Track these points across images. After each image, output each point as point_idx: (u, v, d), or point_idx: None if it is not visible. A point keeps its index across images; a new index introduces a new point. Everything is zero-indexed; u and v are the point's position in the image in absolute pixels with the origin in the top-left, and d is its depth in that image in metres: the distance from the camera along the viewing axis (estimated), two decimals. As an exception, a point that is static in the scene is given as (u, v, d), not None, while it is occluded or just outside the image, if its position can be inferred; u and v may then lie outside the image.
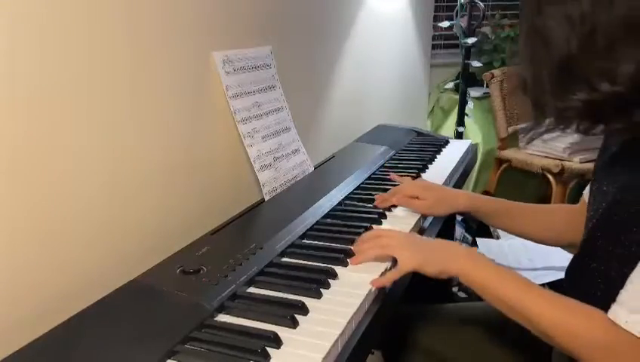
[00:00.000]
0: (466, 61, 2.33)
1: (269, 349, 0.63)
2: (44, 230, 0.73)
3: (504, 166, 2.59)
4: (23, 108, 0.69)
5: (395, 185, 1.12)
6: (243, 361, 0.62)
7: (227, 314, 0.72)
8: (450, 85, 2.70)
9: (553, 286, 1.48)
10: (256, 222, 1.01)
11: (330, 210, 1.05)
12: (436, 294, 1.40)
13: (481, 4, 2.22)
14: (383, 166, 1.35)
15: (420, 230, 1.03)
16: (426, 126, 2.67)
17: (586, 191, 0.85)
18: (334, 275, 0.80)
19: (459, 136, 2.40)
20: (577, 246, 0.77)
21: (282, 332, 0.66)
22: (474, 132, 2.62)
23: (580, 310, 0.64)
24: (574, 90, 0.61)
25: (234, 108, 1.06)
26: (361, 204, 1.10)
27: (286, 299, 0.74)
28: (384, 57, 1.94)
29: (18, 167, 0.69)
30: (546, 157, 2.42)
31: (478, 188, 2.69)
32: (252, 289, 0.78)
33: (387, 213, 1.05)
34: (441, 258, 0.78)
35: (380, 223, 1.01)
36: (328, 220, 1.01)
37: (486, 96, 2.68)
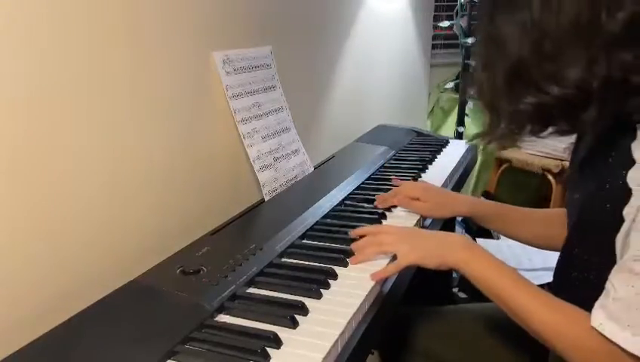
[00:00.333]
0: (466, 61, 2.33)
1: (269, 349, 0.63)
2: (44, 230, 0.73)
3: (504, 166, 2.59)
4: (22, 108, 0.69)
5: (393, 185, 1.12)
6: (243, 361, 0.62)
7: (227, 314, 0.72)
8: (450, 85, 2.70)
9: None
10: (256, 222, 1.01)
11: (330, 210, 1.05)
12: (436, 295, 1.40)
13: (481, 4, 2.22)
14: (383, 166, 1.35)
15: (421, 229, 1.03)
16: (426, 126, 2.67)
17: None
18: (334, 275, 0.80)
19: (459, 136, 2.40)
20: None
21: (282, 332, 0.66)
22: (474, 132, 2.62)
23: (568, 311, 0.65)
24: (525, 94, 0.63)
25: (234, 108, 1.06)
26: (361, 204, 1.10)
27: (286, 299, 0.74)
28: (384, 57, 1.94)
29: (18, 167, 0.69)
30: (546, 157, 2.42)
31: (478, 188, 2.69)
32: (252, 290, 0.78)
33: (387, 213, 1.05)
34: (440, 250, 0.78)
35: (380, 223, 1.01)
36: (328, 220, 1.01)
37: (486, 96, 2.67)
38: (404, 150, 1.51)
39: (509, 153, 2.56)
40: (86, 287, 0.77)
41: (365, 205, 1.09)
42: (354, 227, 0.96)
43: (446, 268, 0.77)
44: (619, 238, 0.62)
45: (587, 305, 0.63)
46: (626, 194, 0.60)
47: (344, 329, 0.67)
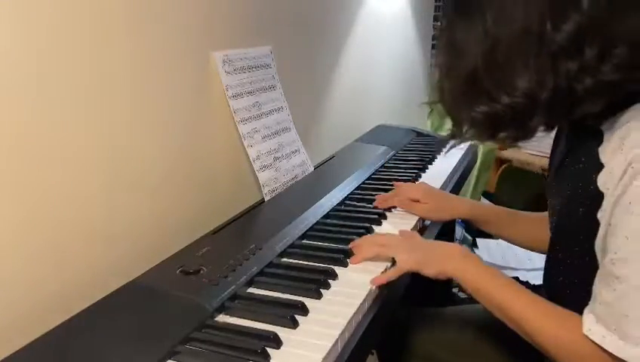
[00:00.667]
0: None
1: (269, 349, 0.63)
2: (44, 230, 0.73)
3: (504, 166, 2.59)
4: (22, 108, 0.69)
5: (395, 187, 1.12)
6: (243, 361, 0.62)
7: (227, 314, 0.72)
8: (450, 85, 2.68)
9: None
10: (256, 222, 1.01)
11: (330, 210, 1.05)
12: (436, 295, 1.40)
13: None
14: (383, 166, 1.35)
15: (420, 230, 1.03)
16: (426, 126, 2.67)
17: None
18: (334, 275, 0.80)
19: (459, 136, 2.39)
20: None
21: (282, 332, 0.66)
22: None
23: (563, 317, 0.65)
24: (478, 103, 0.65)
25: (234, 108, 1.06)
26: (361, 204, 1.10)
27: (286, 299, 0.74)
28: (384, 57, 1.94)
29: (18, 167, 0.69)
30: (546, 157, 2.41)
31: (478, 188, 2.68)
32: (252, 290, 0.78)
33: (387, 213, 1.05)
34: (438, 259, 0.79)
35: (380, 223, 1.01)
36: (328, 220, 1.01)
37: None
38: (404, 150, 1.51)
39: (509, 153, 2.56)
40: (86, 287, 0.77)
41: (365, 205, 1.09)
42: (354, 227, 0.96)
43: (444, 277, 0.78)
44: (598, 243, 0.63)
45: (575, 309, 0.64)
46: (598, 197, 0.61)
47: (344, 329, 0.67)
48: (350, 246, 0.87)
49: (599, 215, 0.62)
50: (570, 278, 0.71)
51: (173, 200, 0.96)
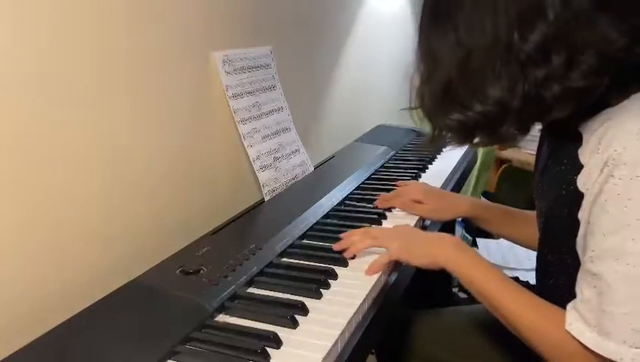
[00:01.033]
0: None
1: (269, 349, 0.63)
2: (44, 230, 0.73)
3: (504, 166, 2.59)
4: (22, 108, 0.69)
5: (396, 187, 1.12)
6: (243, 361, 0.62)
7: (227, 314, 0.72)
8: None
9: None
10: (256, 222, 1.01)
11: (330, 210, 1.05)
12: (436, 295, 1.40)
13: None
14: (383, 166, 1.35)
15: (421, 229, 1.03)
16: (427, 126, 2.67)
17: None
18: (334, 275, 0.80)
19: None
20: None
21: (282, 332, 0.66)
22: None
23: (551, 313, 0.65)
24: (452, 111, 0.67)
25: (234, 108, 1.06)
26: (361, 204, 1.10)
27: (286, 299, 0.74)
28: (384, 57, 1.94)
29: (17, 167, 0.69)
30: (546, 157, 2.42)
31: (478, 188, 2.68)
32: (252, 290, 0.78)
33: (387, 213, 1.05)
34: (431, 249, 0.80)
35: (380, 223, 1.01)
36: (328, 220, 1.02)
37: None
38: (404, 150, 1.51)
39: (509, 153, 2.56)
40: (86, 287, 0.77)
41: (365, 205, 1.09)
42: (354, 227, 0.96)
43: (436, 267, 0.78)
44: (579, 242, 0.64)
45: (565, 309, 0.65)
46: (579, 198, 0.63)
47: (344, 329, 0.67)
48: (342, 236, 0.89)
49: (579, 215, 0.63)
50: (559, 280, 0.72)
51: (173, 200, 0.96)
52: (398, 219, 1.03)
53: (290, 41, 1.30)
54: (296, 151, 1.22)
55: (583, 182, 0.63)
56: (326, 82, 1.54)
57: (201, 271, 0.79)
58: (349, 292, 0.76)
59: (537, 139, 0.82)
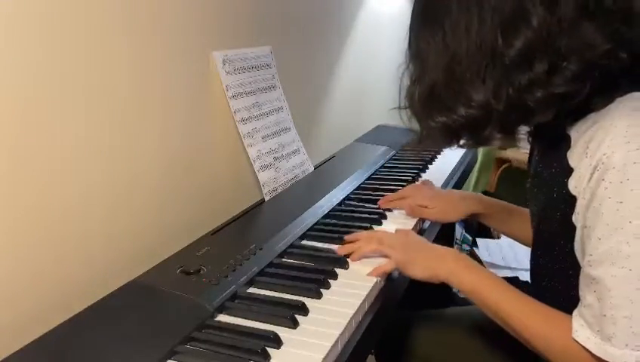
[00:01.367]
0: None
1: (269, 349, 0.63)
2: (44, 230, 0.73)
3: (504, 166, 2.59)
4: (21, 108, 0.69)
5: (397, 187, 1.12)
6: (243, 361, 0.62)
7: (227, 314, 0.72)
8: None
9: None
10: (256, 222, 1.01)
11: (331, 210, 1.05)
12: (436, 294, 1.40)
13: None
14: (383, 166, 1.35)
15: (420, 230, 1.03)
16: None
17: None
18: (334, 275, 0.80)
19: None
20: None
21: (282, 332, 0.66)
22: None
23: (557, 321, 0.65)
24: (437, 114, 0.68)
25: (234, 108, 1.06)
26: (361, 204, 1.10)
27: (286, 299, 0.74)
28: (384, 57, 1.94)
29: (17, 167, 0.69)
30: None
31: (478, 188, 2.69)
32: (252, 290, 0.78)
33: (387, 213, 1.05)
34: (431, 262, 0.80)
35: (380, 223, 1.01)
36: (328, 220, 1.02)
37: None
38: (404, 150, 1.51)
39: (509, 153, 2.56)
40: (86, 287, 0.77)
41: (365, 205, 1.09)
42: (354, 227, 0.96)
43: (437, 280, 0.79)
44: (577, 246, 0.64)
45: (563, 310, 0.65)
46: (572, 201, 0.63)
47: (344, 329, 0.67)
48: (346, 238, 0.89)
49: (574, 218, 0.63)
50: (553, 281, 0.72)
51: (173, 200, 0.96)
52: (398, 219, 1.03)
53: (290, 41, 1.30)
54: (296, 151, 1.22)
55: (574, 185, 0.63)
56: (326, 82, 1.54)
57: (201, 271, 0.79)
58: (349, 293, 0.76)
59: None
